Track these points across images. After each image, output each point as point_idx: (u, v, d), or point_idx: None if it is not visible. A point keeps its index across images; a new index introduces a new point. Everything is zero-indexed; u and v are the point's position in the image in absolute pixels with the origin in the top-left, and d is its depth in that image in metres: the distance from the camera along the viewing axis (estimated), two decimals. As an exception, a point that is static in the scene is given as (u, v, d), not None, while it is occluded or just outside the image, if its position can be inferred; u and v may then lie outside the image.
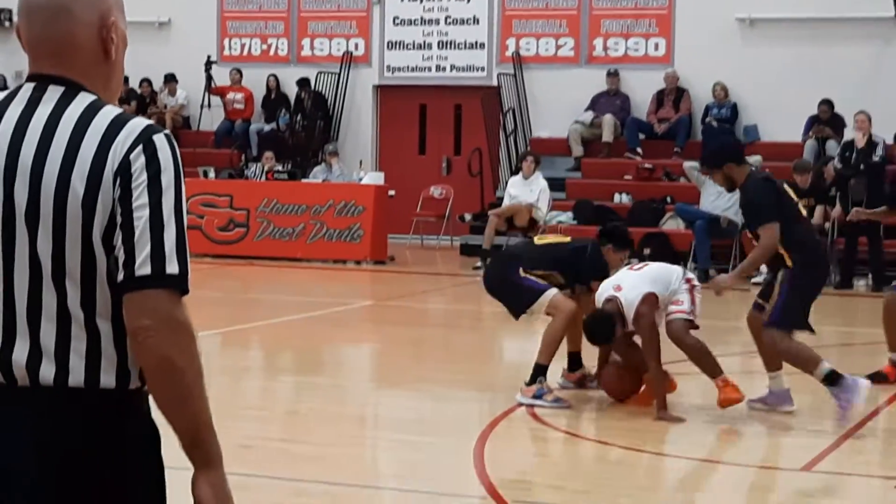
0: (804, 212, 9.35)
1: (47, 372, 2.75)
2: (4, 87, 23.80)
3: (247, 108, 24.82)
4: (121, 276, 2.70)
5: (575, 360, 10.15)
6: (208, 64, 24.13)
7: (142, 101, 25.17)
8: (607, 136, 22.52)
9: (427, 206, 23.67)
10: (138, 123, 2.76)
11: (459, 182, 23.62)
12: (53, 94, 2.80)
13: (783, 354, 8.93)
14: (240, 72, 24.77)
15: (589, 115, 22.78)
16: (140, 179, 2.70)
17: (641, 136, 22.53)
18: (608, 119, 22.52)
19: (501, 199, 20.26)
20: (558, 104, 23.00)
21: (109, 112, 2.77)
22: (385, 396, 10.66)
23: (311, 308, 14.94)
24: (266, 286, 18.09)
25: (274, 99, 24.73)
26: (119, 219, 2.70)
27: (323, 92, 24.45)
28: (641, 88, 22.79)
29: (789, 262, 8.94)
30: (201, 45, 24.74)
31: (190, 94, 25.09)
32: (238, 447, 7.66)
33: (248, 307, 15.88)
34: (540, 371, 9.52)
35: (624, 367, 9.54)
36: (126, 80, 25.03)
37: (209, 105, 24.59)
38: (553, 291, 9.59)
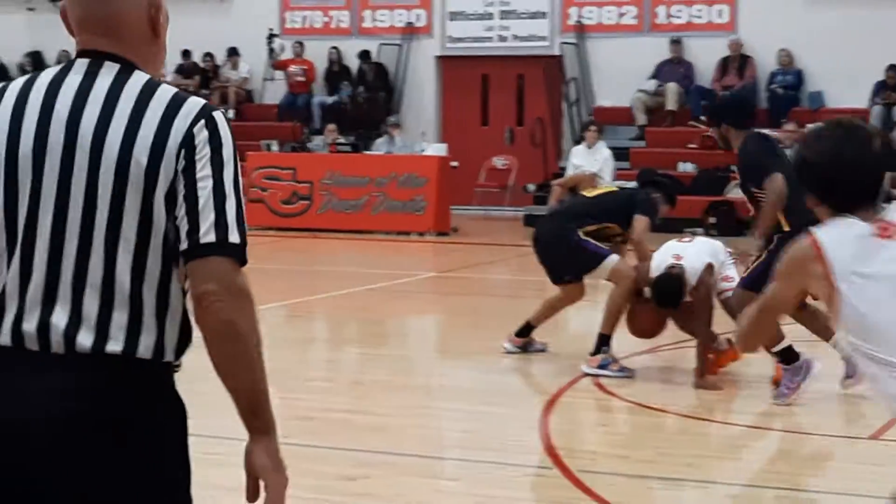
0: None
1: (85, 339, 2.78)
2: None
3: (309, 80, 24.84)
4: (185, 245, 2.77)
5: (527, 329, 10.31)
6: (270, 37, 24.17)
7: (204, 74, 25.24)
8: (671, 104, 22.37)
9: (490, 177, 23.61)
10: (197, 101, 2.86)
11: (522, 152, 23.53)
12: (110, 69, 2.87)
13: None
14: (301, 44, 24.79)
15: (652, 84, 22.63)
16: (203, 152, 2.79)
17: (705, 104, 22.34)
18: (672, 87, 22.36)
19: (565, 168, 20.17)
20: (621, 73, 22.84)
21: (168, 89, 2.87)
22: (449, 367, 10.66)
23: (374, 280, 14.95)
24: (330, 258, 18.14)
25: (336, 71, 24.74)
26: (183, 189, 2.77)
27: (385, 63, 24.42)
28: (705, 56, 22.60)
29: (786, 226, 8.44)
30: (263, 18, 24.78)
31: (252, 68, 25.15)
32: (302, 418, 7.70)
33: (312, 279, 15.93)
34: (604, 341, 9.51)
35: (651, 308, 9.44)
36: (188, 53, 25.23)
37: (272, 78, 24.63)
38: (615, 258, 9.58)
